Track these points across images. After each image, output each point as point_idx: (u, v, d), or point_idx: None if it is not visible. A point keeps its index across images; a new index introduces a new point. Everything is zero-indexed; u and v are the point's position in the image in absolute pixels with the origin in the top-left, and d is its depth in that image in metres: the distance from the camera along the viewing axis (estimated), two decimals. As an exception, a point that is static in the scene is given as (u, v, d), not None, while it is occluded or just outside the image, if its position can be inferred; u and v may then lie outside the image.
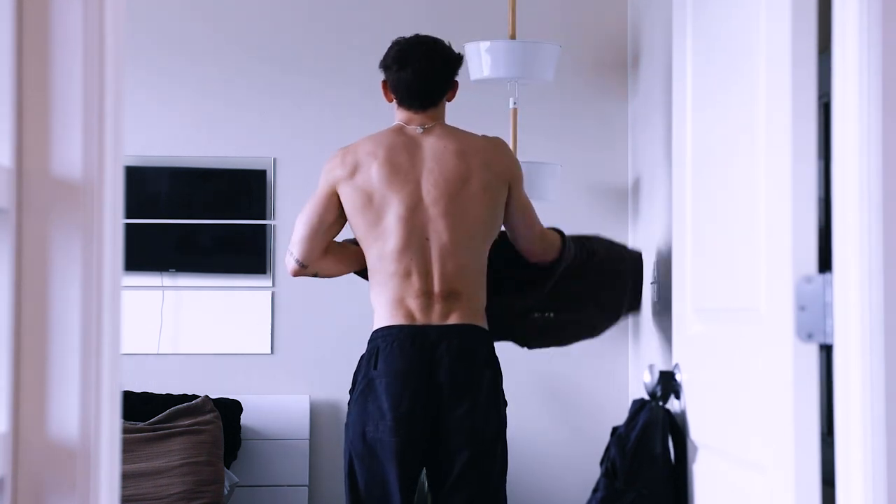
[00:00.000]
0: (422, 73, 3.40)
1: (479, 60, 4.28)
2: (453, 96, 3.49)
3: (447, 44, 3.47)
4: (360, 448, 3.30)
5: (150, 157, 4.80)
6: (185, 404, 4.49)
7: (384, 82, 3.47)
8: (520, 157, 4.24)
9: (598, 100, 4.86)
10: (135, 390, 4.68)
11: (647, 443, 2.45)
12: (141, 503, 4.07)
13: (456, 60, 3.46)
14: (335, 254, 3.47)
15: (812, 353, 1.86)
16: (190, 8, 4.84)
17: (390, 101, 3.49)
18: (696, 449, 2.39)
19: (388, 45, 3.48)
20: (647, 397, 2.50)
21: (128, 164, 4.67)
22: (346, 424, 3.36)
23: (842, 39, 1.78)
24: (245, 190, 4.88)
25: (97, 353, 1.41)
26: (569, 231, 4.10)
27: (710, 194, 2.37)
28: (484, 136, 3.50)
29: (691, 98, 2.49)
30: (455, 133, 3.45)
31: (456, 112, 3.72)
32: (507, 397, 3.43)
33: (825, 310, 1.82)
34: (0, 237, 1.37)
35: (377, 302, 3.37)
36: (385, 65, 3.45)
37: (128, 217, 4.71)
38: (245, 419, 4.67)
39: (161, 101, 4.80)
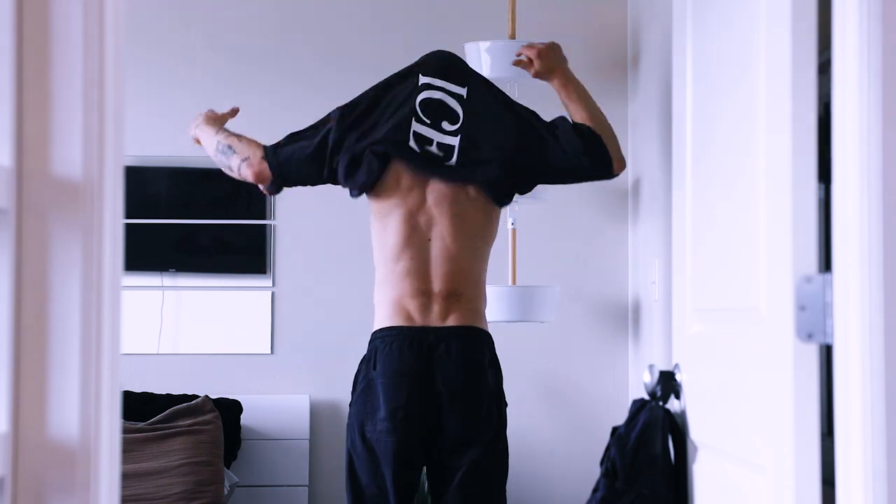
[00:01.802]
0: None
1: (479, 60, 4.27)
2: None
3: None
4: (360, 447, 3.29)
5: (150, 157, 4.80)
6: (185, 404, 4.49)
7: None
8: (520, 157, 4.22)
9: (598, 100, 4.85)
10: (135, 390, 4.68)
11: (647, 443, 2.45)
12: (141, 503, 4.07)
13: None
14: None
15: (812, 353, 1.86)
16: (190, 10, 4.84)
17: None
18: (696, 449, 2.39)
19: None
20: (647, 397, 2.50)
21: (128, 164, 4.66)
22: (348, 425, 3.36)
23: (842, 40, 1.78)
24: (245, 190, 4.86)
25: (97, 353, 1.41)
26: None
27: (710, 194, 2.37)
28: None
29: (691, 98, 2.49)
30: None
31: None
32: (507, 397, 3.42)
33: (825, 310, 1.82)
34: (0, 237, 1.37)
35: (378, 301, 3.36)
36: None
37: (128, 217, 4.70)
38: (245, 419, 4.67)
39: (161, 102, 4.80)
